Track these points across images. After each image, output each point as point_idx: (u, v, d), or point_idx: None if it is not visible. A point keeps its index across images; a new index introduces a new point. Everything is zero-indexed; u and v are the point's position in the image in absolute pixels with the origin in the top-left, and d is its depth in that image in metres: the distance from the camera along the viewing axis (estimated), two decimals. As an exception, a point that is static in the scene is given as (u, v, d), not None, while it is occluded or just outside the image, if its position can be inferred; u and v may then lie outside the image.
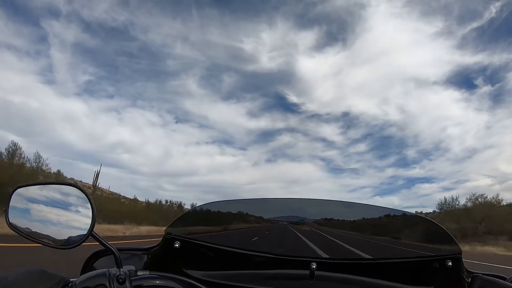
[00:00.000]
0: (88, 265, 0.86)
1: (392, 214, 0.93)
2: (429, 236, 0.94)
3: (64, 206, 0.73)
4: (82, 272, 0.85)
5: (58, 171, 22.93)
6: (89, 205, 0.72)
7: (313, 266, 0.83)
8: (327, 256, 0.88)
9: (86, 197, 0.72)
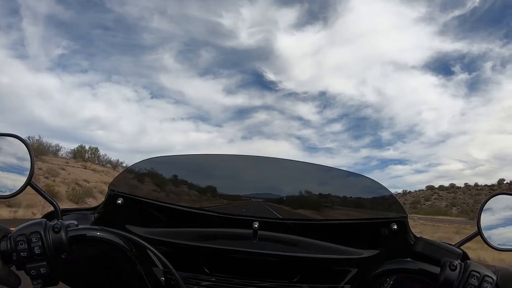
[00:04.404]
0: None
1: (339, 174, 0.96)
2: (376, 199, 0.95)
3: (4, 156, 0.76)
4: None
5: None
6: (28, 155, 0.75)
7: (255, 226, 0.84)
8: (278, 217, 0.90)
9: (25, 147, 0.75)
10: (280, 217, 0.91)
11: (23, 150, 0.75)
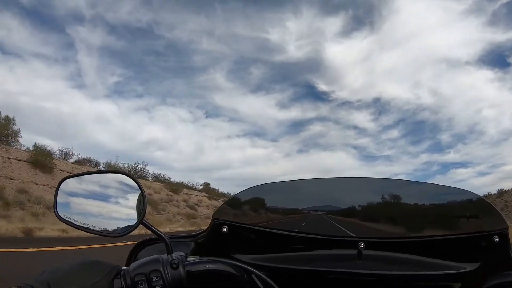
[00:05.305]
0: (133, 255, 0.87)
1: (436, 190, 0.92)
2: (475, 211, 0.92)
3: (113, 194, 0.74)
4: (128, 262, 0.86)
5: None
6: (138, 192, 0.72)
7: (361, 246, 0.82)
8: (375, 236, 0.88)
9: (136, 184, 0.72)
10: (383, 236, 0.88)
11: (132, 186, 0.73)
